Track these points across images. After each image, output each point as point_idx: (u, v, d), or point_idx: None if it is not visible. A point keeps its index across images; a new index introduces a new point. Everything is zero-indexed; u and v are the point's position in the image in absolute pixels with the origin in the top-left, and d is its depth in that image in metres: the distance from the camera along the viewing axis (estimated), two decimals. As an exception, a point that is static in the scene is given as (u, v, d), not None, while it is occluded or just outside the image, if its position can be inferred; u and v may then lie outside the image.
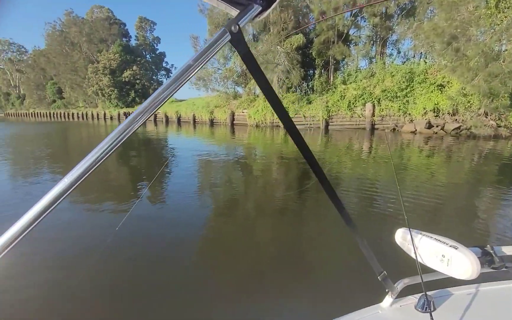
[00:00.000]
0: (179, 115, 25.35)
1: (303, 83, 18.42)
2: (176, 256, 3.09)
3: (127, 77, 35.95)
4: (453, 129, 12.21)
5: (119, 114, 31.69)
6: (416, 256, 0.94)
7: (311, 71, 20.10)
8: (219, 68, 21.89)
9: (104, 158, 0.46)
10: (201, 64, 0.50)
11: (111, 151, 0.47)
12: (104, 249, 2.99)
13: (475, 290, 1.15)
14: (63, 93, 47.34)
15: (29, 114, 50.49)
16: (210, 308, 2.29)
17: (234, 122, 20.59)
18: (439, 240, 0.92)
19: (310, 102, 17.13)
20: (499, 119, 11.83)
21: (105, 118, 33.60)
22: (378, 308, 1.03)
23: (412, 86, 14.35)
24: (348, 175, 6.64)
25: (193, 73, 0.50)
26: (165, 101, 0.49)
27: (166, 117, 26.45)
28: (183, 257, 3.08)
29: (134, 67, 36.94)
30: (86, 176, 0.46)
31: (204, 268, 2.93)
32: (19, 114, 54.75)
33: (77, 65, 41.95)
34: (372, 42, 19.02)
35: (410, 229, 0.99)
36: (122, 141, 0.47)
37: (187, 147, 11.43)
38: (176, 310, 2.27)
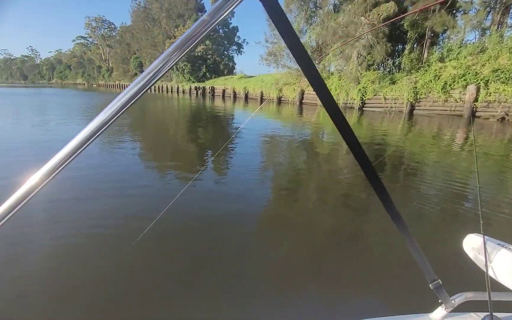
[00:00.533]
0: (246, 92, 26.80)
1: (387, 60, 17.20)
2: (235, 228, 3.27)
3: (200, 51, 39.32)
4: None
5: (190, 89, 35.22)
6: (486, 268, 0.86)
7: (399, 46, 18.49)
8: (292, 43, 22.10)
9: (126, 107, 0.46)
10: (217, 19, 0.45)
11: (133, 101, 0.46)
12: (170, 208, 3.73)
13: None
14: (143, 67, 54.86)
15: (115, 85, 60.22)
16: (261, 279, 2.40)
17: (303, 101, 20.80)
18: None
19: (393, 83, 15.99)
20: None
21: (178, 92, 37.81)
22: (426, 318, 0.98)
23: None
24: (430, 166, 6.40)
25: (207, 30, 0.46)
26: (177, 61, 0.46)
27: (234, 93, 28.29)
28: (243, 229, 3.25)
29: (207, 42, 40.08)
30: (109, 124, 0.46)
31: (262, 241, 3.07)
32: (108, 85, 65.85)
33: (157, 41, 47.83)
34: (488, 9, 16.23)
35: (485, 236, 0.90)
36: (144, 90, 0.46)
37: (252, 125, 12.19)
38: (231, 278, 2.39)
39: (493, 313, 0.87)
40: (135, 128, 10.90)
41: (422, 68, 15.67)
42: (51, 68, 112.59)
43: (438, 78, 14.30)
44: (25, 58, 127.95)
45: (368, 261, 2.74)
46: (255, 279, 2.43)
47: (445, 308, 0.94)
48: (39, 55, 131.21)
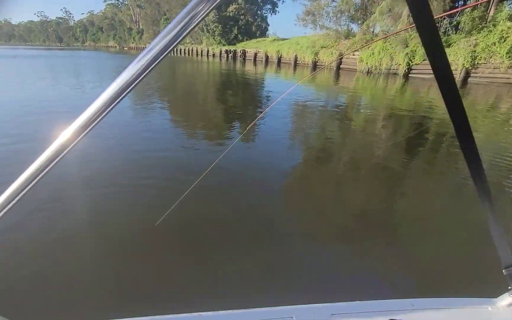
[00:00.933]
0: (279, 56, 26.27)
1: (444, 19, 15.76)
2: (262, 195, 3.45)
3: (232, 11, 38.65)
4: None
5: (220, 52, 35.29)
6: None
7: (459, 2, 16.75)
8: (333, 0, 20.90)
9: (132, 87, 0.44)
10: None
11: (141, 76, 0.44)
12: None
13: None
14: (173, 28, 55.48)
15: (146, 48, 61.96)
16: (281, 249, 2.56)
17: (341, 66, 20.03)
18: None
19: (448, 46, 14.71)
20: None
21: (208, 55, 38.12)
22: (489, 302, 0.95)
23: None
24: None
25: None
26: (205, 15, 0.42)
27: (266, 56, 27.86)
28: (269, 197, 3.43)
29: (240, 0, 39.14)
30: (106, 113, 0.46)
31: (287, 210, 3.25)
32: (138, 48, 67.91)
33: (186, 1, 47.59)
34: None
35: None
36: (170, 48, 0.43)
37: (284, 91, 11.62)
38: (255, 245, 2.57)
39: None
40: (164, 93, 11.34)
41: (485, 29, 14.13)
42: (84, 30, 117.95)
43: (504, 41, 12.90)
44: (60, 20, 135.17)
45: (399, 239, 2.85)
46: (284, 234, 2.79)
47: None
48: (73, 17, 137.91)
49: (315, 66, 21.91)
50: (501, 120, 7.73)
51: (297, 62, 23.89)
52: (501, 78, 12.83)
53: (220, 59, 32.88)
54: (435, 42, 0.52)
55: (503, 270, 0.87)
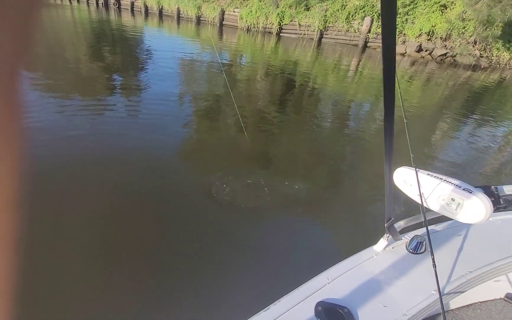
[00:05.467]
0: (161, 7, 23.68)
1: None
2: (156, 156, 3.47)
3: None
4: (439, 55, 13.26)
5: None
6: (421, 195, 0.96)
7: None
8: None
9: None
10: None
11: None
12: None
13: (459, 226, 1.26)
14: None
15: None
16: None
17: (224, 22, 19.97)
18: (450, 182, 0.94)
19: (308, 9, 16.85)
20: (483, 50, 12.93)
21: (70, 0, 30.29)
22: (372, 251, 1.11)
23: (416, 3, 14.49)
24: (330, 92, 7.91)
25: None
26: None
27: (146, 7, 24.60)
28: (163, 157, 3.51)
29: None
30: None
31: (183, 164, 3.50)
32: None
33: None
34: None
35: (417, 169, 0.98)
36: None
37: (168, 47, 11.25)
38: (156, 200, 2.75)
39: (417, 234, 1.11)
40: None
41: (333, -4, 16.74)
42: None
43: (344, 8, 15.76)
44: None
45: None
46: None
47: (386, 239, 1.09)
48: None
49: (199, 20, 21.01)
50: (343, 72, 9.96)
51: (180, 15, 22.23)
52: (343, 39, 15.88)
53: (88, 6, 26.83)
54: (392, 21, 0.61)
55: (385, 224, 1.03)
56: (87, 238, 2.25)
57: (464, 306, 1.26)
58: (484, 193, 0.89)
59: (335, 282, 0.97)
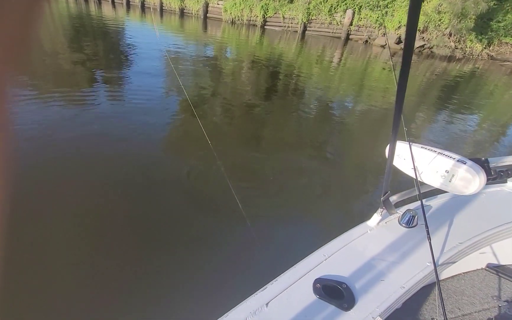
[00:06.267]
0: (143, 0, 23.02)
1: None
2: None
3: None
4: (417, 47, 13.73)
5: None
6: (415, 169, 0.97)
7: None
8: None
9: None
10: None
11: None
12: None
13: (449, 200, 1.28)
14: None
15: None
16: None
17: (208, 15, 19.71)
18: (444, 154, 0.93)
19: (292, 1, 16.90)
20: (458, 42, 13.49)
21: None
22: (366, 227, 1.12)
23: (396, -4, 14.88)
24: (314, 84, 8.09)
25: None
26: None
27: (127, 0, 23.83)
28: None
29: None
30: None
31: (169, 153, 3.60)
32: None
33: None
34: None
35: (410, 142, 0.99)
36: None
37: (152, 41, 10.98)
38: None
39: (409, 208, 1.11)
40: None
41: (315, -11, 16.85)
42: None
43: (327, 1, 15.92)
44: None
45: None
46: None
47: (380, 214, 1.09)
48: None
49: (182, 13, 20.62)
50: (327, 64, 10.15)
51: (163, 7, 21.72)
52: (326, 32, 16.08)
53: (66, -2, 25.64)
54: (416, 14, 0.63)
55: (382, 197, 1.04)
56: (71, 233, 2.25)
57: (449, 277, 1.28)
58: (479, 165, 0.89)
59: (331, 258, 0.97)
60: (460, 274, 1.30)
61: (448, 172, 0.91)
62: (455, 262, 1.08)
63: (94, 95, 5.12)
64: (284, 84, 7.35)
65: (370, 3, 14.99)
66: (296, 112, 5.52)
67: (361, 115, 5.84)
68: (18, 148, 3.14)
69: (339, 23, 15.75)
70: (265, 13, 17.36)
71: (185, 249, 2.25)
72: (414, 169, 0.96)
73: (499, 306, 1.18)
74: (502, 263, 1.39)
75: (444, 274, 1.29)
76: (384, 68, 10.24)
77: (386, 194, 1.03)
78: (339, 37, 15.76)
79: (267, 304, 0.81)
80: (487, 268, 1.36)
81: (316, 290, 0.86)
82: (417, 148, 0.98)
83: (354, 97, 6.98)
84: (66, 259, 2.04)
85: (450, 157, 0.92)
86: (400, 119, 0.83)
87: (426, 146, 0.98)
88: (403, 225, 1.10)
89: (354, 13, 15.20)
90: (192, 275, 2.05)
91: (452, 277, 1.30)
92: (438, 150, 0.96)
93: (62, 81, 5.93)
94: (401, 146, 1.02)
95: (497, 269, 1.36)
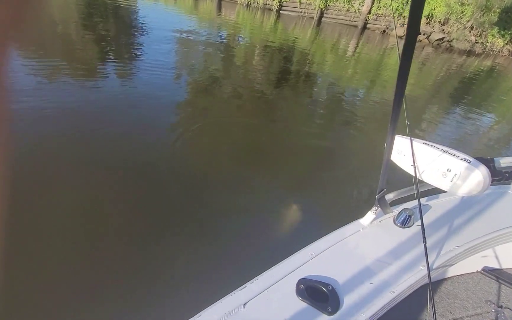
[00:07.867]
0: (157, -23, 22.56)
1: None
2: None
3: None
4: (436, 40, 13.28)
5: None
6: (415, 166, 0.92)
7: None
8: None
9: None
10: None
11: None
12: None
13: (450, 199, 1.21)
14: None
15: None
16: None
17: (223, -4, 19.29)
18: (447, 152, 0.88)
19: (308, -14, 16.38)
20: (479, 36, 12.97)
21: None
22: (359, 225, 1.06)
23: (417, -15, 14.22)
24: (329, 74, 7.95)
25: None
26: None
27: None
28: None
29: None
30: None
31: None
32: None
33: None
34: None
35: (412, 138, 0.93)
36: None
37: (165, 22, 10.66)
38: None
39: (405, 208, 1.04)
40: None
41: (334, -26, 16.27)
42: None
43: (345, -13, 15.40)
44: None
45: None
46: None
47: (374, 212, 1.04)
48: None
49: (197, -6, 20.18)
50: (341, 53, 9.95)
51: (178, -13, 21.26)
52: (342, 19, 15.63)
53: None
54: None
55: (377, 196, 0.99)
56: (69, 220, 2.08)
57: (443, 279, 1.23)
58: (483, 164, 0.83)
59: (318, 257, 0.90)
60: (454, 276, 1.24)
61: (450, 171, 0.86)
62: (450, 266, 1.04)
63: (102, 74, 4.86)
64: (296, 71, 7.25)
65: (391, -9, 14.44)
66: (304, 100, 5.47)
67: (373, 107, 5.76)
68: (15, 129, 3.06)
69: (357, 11, 15.26)
70: (281, -3, 16.91)
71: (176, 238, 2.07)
72: (414, 165, 0.91)
73: (492, 311, 1.12)
74: (500, 267, 1.32)
75: (437, 276, 1.24)
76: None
77: (382, 192, 0.98)
78: (356, 26, 15.33)
79: (244, 305, 0.75)
80: (482, 271, 1.29)
81: (299, 291, 0.80)
82: (418, 144, 0.93)
83: (366, 89, 6.87)
84: (62, 248, 1.88)
85: (453, 155, 0.87)
86: (400, 112, 0.79)
87: (428, 143, 0.93)
88: (398, 224, 1.06)
89: (373, 1, 14.68)
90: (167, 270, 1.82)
91: (446, 279, 1.24)
92: (441, 147, 0.90)
93: (71, 59, 5.42)
94: (402, 142, 0.96)
95: (493, 273, 1.28)
